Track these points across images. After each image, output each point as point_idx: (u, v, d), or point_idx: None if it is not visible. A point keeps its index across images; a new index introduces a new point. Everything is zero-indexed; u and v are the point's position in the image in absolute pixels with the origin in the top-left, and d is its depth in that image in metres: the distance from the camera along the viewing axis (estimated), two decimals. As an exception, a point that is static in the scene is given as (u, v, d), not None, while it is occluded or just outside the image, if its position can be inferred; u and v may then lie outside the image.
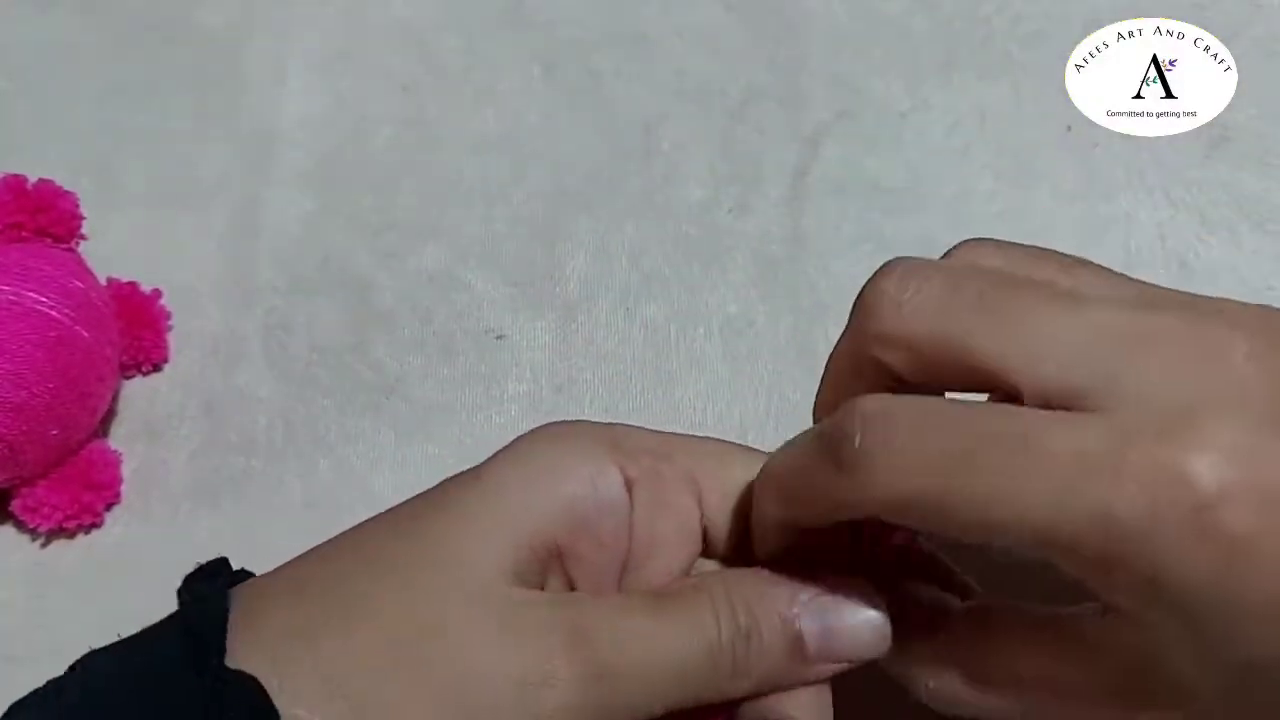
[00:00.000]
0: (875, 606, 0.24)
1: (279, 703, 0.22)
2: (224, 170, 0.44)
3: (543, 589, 0.25)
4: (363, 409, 0.39)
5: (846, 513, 0.23)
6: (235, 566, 0.37)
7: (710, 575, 0.26)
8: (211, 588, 0.26)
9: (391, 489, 0.38)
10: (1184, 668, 0.21)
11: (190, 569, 0.37)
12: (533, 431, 0.26)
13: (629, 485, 0.25)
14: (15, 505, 0.37)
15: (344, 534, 0.27)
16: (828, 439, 0.22)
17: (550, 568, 0.25)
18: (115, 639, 0.36)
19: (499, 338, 0.40)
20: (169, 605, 0.36)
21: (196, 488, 0.38)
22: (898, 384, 0.24)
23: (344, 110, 0.45)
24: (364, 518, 0.37)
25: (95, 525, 0.38)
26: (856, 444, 0.21)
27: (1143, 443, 0.19)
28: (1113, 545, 0.19)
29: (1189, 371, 0.20)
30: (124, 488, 0.38)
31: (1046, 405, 0.21)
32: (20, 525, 0.37)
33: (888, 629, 0.24)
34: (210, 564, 0.27)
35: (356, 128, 0.45)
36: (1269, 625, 0.19)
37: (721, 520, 0.26)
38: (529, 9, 0.47)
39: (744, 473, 0.26)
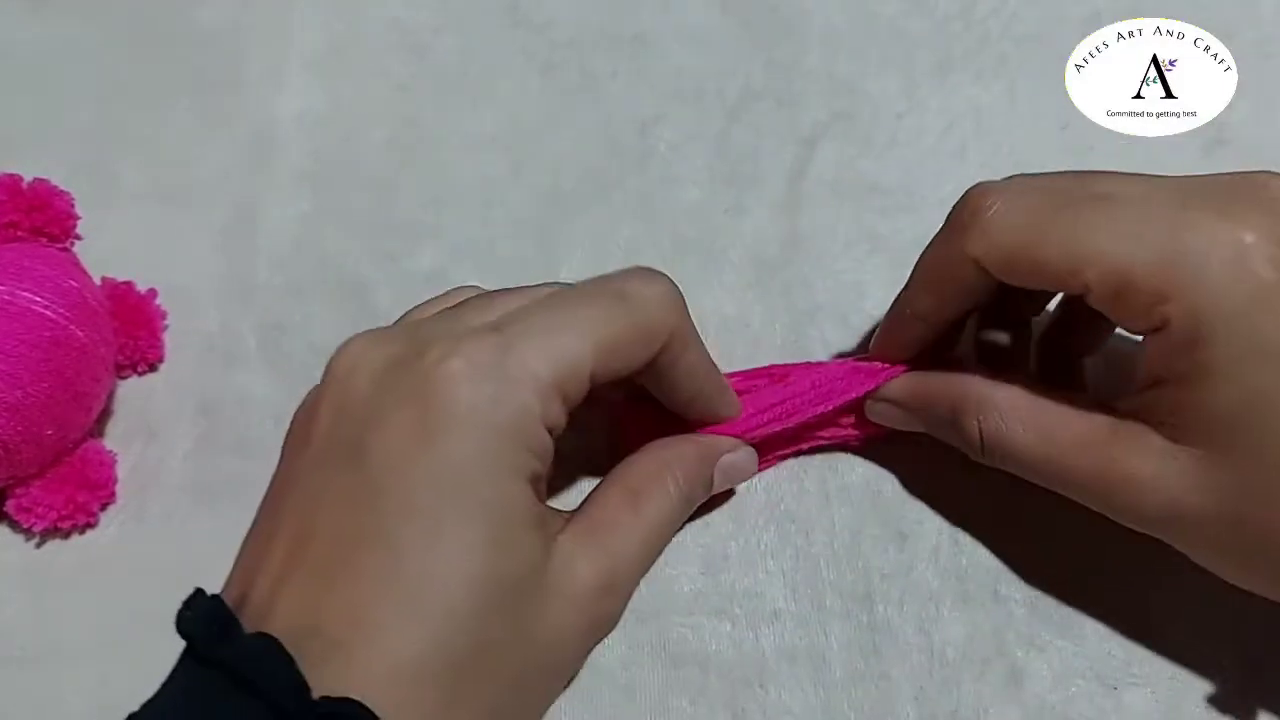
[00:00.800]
0: (747, 450, 0.34)
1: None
2: (221, 170, 0.44)
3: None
4: (359, 409, 0.39)
5: (971, 274, 0.30)
6: (229, 567, 0.37)
7: (649, 460, 0.33)
8: (227, 628, 0.26)
9: (387, 489, 0.38)
10: (1203, 395, 0.27)
11: (187, 570, 0.37)
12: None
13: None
14: (10, 505, 0.37)
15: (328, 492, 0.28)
16: (951, 218, 0.31)
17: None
18: (111, 639, 0.36)
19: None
20: (164, 605, 0.36)
21: (192, 488, 0.38)
22: (982, 281, 0.30)
23: (341, 110, 0.45)
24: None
25: (90, 525, 0.38)
26: (974, 206, 0.30)
27: (1202, 209, 0.27)
28: (1171, 277, 0.27)
29: (1235, 213, 0.27)
30: (119, 488, 0.38)
31: (1116, 292, 0.28)
32: (15, 525, 0.37)
33: (755, 459, 0.35)
34: (200, 602, 0.27)
35: (353, 128, 0.45)
36: (1274, 362, 0.26)
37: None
38: (526, 9, 0.47)
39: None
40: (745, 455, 0.34)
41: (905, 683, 0.34)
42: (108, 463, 0.38)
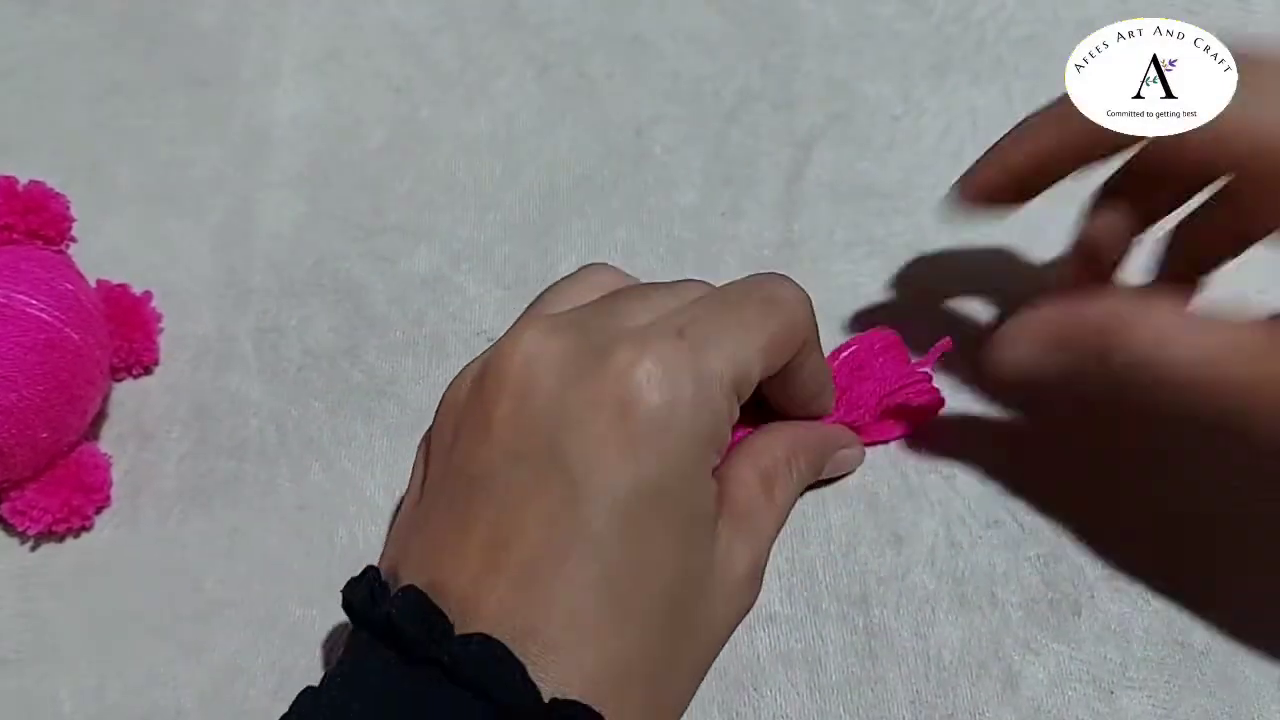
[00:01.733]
0: (859, 446, 0.36)
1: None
2: (216, 172, 0.44)
3: None
4: (355, 412, 0.39)
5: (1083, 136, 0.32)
6: (228, 570, 0.37)
7: (779, 444, 0.33)
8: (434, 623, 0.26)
9: (384, 492, 0.38)
10: None
11: (182, 573, 0.37)
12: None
13: None
14: (4, 508, 0.37)
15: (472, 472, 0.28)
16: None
17: None
18: (106, 642, 0.36)
19: (491, 340, 0.40)
20: (160, 608, 0.36)
21: (187, 491, 0.38)
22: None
23: (336, 111, 0.45)
24: (356, 522, 0.37)
25: (85, 528, 0.38)
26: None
27: None
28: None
29: None
30: (114, 491, 0.38)
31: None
32: (10, 528, 0.37)
33: (860, 461, 0.36)
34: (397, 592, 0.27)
35: (349, 129, 0.45)
36: None
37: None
38: (522, 11, 0.47)
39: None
40: (857, 452, 0.36)
41: (901, 686, 0.34)
42: (103, 466, 0.38)
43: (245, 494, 0.38)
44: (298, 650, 0.35)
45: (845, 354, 0.37)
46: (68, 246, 0.39)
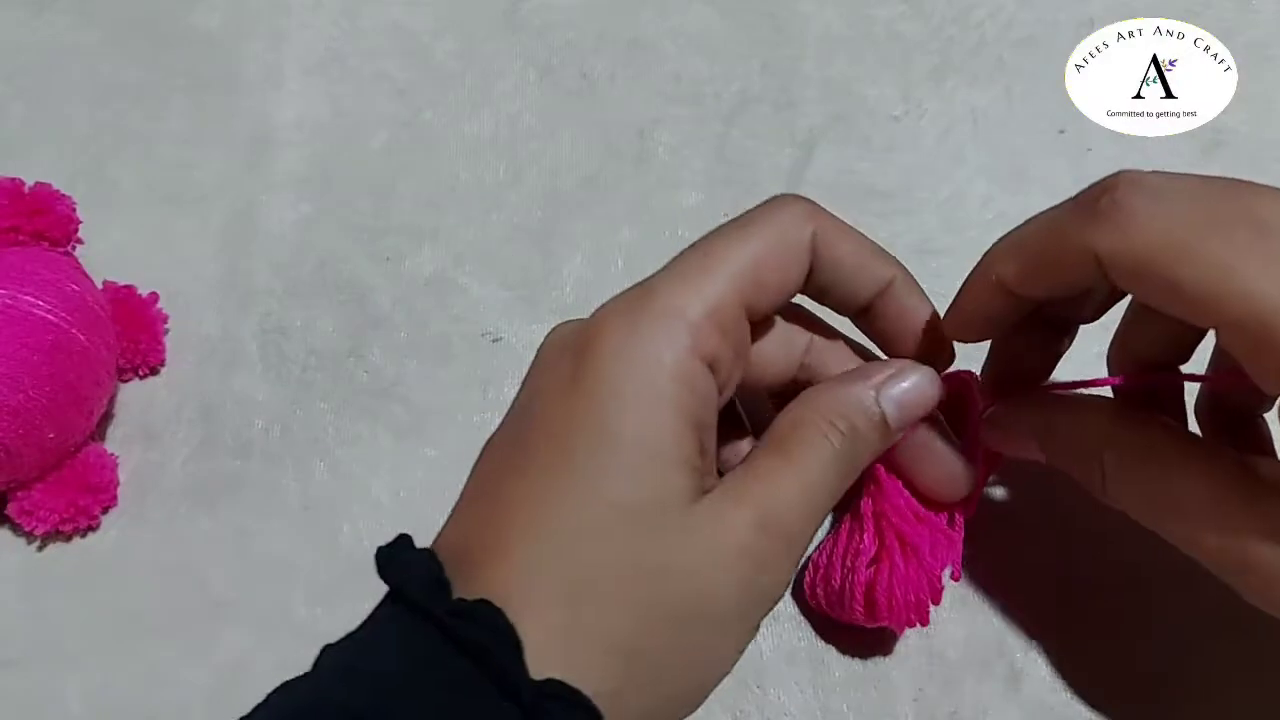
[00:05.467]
0: (918, 370, 0.30)
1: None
2: (220, 174, 0.44)
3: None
4: (359, 412, 0.39)
5: (1084, 268, 0.26)
6: (234, 570, 0.37)
7: (799, 407, 0.29)
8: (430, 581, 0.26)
9: (388, 492, 0.38)
10: None
11: (188, 572, 0.37)
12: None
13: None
14: (11, 508, 0.37)
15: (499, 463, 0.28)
16: (1083, 198, 0.27)
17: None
18: (112, 641, 0.36)
19: (495, 341, 0.40)
20: (165, 608, 0.37)
21: (193, 491, 0.38)
22: (1089, 277, 0.26)
23: (340, 114, 0.45)
24: (361, 521, 0.37)
25: (91, 528, 0.38)
26: (1116, 196, 0.25)
27: None
28: None
29: None
30: (120, 491, 0.38)
31: (1258, 343, 0.24)
32: (16, 528, 0.37)
33: (937, 379, 0.30)
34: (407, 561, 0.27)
35: (352, 131, 0.45)
36: None
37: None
38: (525, 13, 0.47)
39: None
40: (916, 379, 0.30)
41: (905, 684, 0.34)
42: (109, 466, 0.38)
43: (250, 494, 0.38)
44: (303, 649, 0.35)
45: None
46: (74, 248, 0.39)
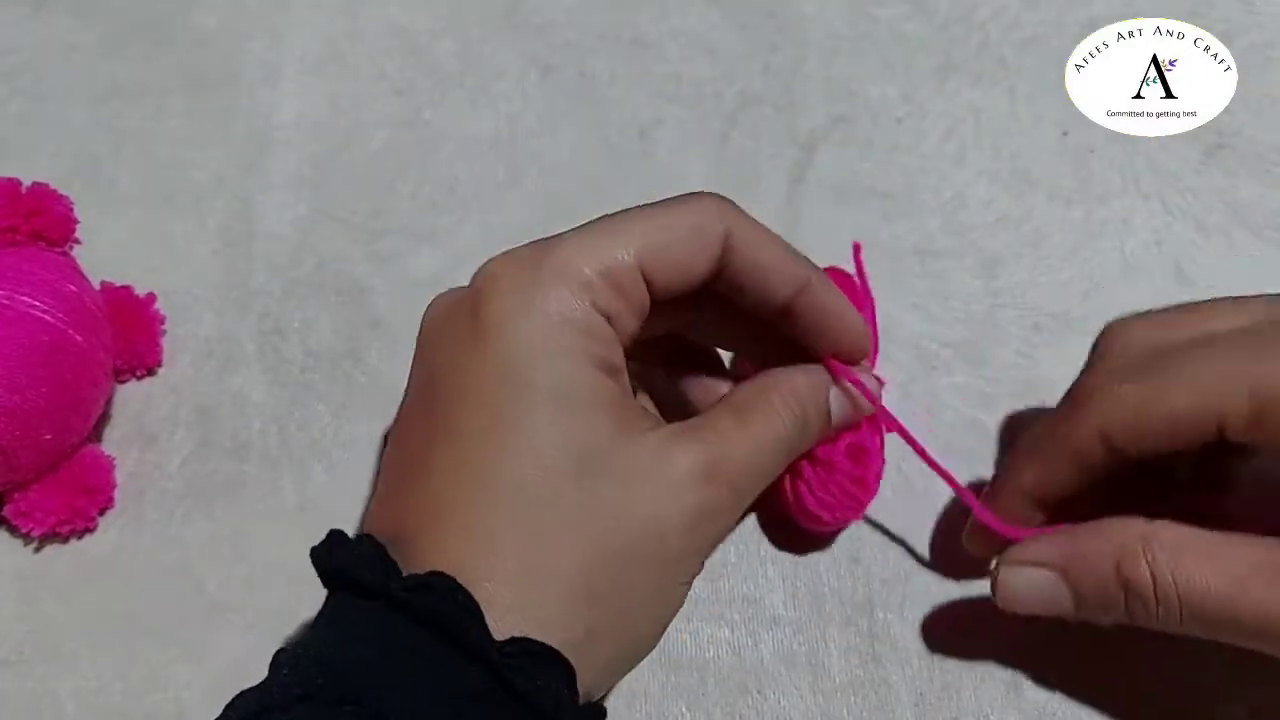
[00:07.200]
0: (868, 376, 0.33)
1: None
2: (218, 174, 0.44)
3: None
4: (357, 414, 0.39)
5: (1097, 450, 0.30)
6: (231, 572, 0.37)
7: (763, 379, 0.32)
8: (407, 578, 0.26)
9: (386, 494, 0.38)
10: None
11: (185, 574, 0.37)
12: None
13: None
14: (8, 510, 0.37)
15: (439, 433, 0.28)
16: (1068, 400, 0.31)
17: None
18: (109, 643, 0.36)
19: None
20: (162, 609, 0.36)
21: (190, 492, 0.38)
22: (1105, 459, 0.30)
23: (339, 113, 0.45)
24: (358, 523, 0.37)
25: (88, 530, 0.38)
26: (1091, 386, 0.30)
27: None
28: (1264, 406, 0.28)
29: None
30: (117, 492, 0.38)
31: (1259, 415, 0.28)
32: (13, 530, 0.37)
33: (875, 384, 0.33)
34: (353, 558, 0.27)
35: (351, 131, 0.45)
36: None
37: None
38: (525, 12, 0.47)
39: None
40: (863, 376, 0.33)
41: (905, 689, 0.34)
42: (106, 467, 0.38)
43: (248, 496, 0.38)
44: (301, 652, 0.35)
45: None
46: (71, 248, 0.39)
